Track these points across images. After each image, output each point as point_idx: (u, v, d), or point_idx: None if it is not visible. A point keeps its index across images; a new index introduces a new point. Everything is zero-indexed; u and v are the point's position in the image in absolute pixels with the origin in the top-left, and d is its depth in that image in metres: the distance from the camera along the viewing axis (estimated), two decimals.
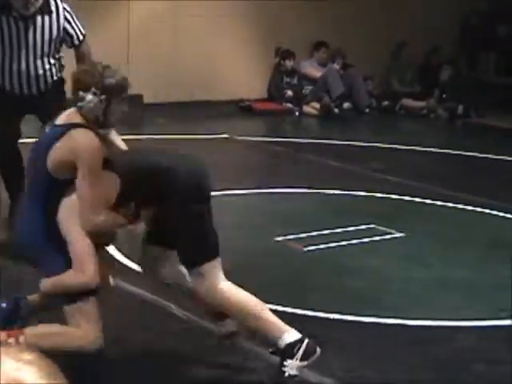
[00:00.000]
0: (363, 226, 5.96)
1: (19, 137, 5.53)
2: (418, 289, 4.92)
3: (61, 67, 5.36)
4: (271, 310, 4.15)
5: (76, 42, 5.32)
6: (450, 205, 6.77)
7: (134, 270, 4.80)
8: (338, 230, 5.84)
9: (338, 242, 5.61)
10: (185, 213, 3.57)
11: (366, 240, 5.70)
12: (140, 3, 10.62)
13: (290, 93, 11.31)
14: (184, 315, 4.25)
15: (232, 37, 11.25)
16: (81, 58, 5.36)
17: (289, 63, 11.36)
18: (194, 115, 10.30)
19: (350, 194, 6.94)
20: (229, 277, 4.86)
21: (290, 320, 4.26)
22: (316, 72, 11.45)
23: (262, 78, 11.42)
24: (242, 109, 11.08)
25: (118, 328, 4.02)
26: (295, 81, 11.45)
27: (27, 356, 0.96)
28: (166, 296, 4.42)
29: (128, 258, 4.99)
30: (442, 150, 9.14)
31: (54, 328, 3.54)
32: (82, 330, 3.48)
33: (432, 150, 9.14)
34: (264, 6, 11.22)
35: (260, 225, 6.01)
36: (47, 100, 5.23)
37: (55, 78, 5.30)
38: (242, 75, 11.33)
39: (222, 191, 6.74)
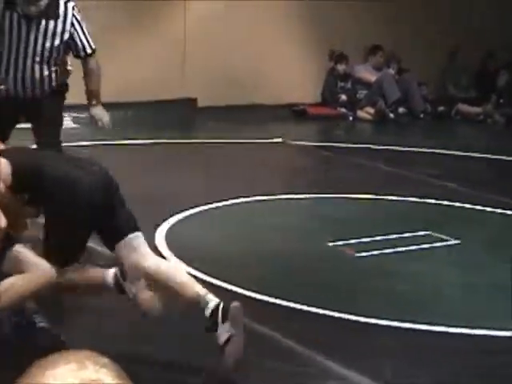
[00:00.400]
0: (418, 233, 5.89)
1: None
2: (474, 297, 4.84)
3: (63, 73, 5.18)
4: (319, 315, 4.13)
5: (82, 54, 5.10)
6: (509, 212, 6.65)
7: (188, 274, 4.80)
8: (392, 237, 5.77)
9: (391, 248, 5.55)
10: (54, 219, 3.65)
11: (420, 247, 5.62)
12: (196, 3, 10.65)
13: (344, 97, 11.26)
14: None
15: (287, 40, 11.23)
16: (87, 73, 5.20)
17: (341, 67, 11.30)
18: (247, 119, 10.30)
19: (404, 200, 6.86)
20: (280, 279, 4.85)
21: (341, 325, 4.24)
22: (371, 76, 11.38)
23: (316, 82, 11.38)
24: (296, 113, 11.06)
25: (170, 330, 4.03)
26: (349, 85, 11.38)
27: (103, 360, 1.11)
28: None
29: (181, 260, 5.00)
30: (498, 156, 8.99)
31: (13, 280, 3.54)
32: (36, 268, 3.52)
33: (488, 156, 9.00)
34: (319, 8, 11.18)
35: (312, 229, 5.98)
36: (43, 108, 5.06)
37: (53, 84, 5.09)
38: (295, 79, 11.31)
39: (274, 195, 6.73)
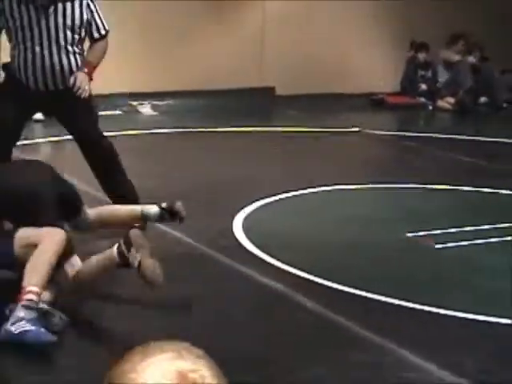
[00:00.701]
0: (498, 225, 5.77)
1: (18, 136, 5.25)
2: None
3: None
4: (396, 306, 4.09)
5: (96, 35, 5.10)
6: None
7: (263, 260, 4.82)
8: (472, 228, 5.67)
9: (471, 240, 5.45)
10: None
11: (502, 239, 5.51)
12: None
13: (424, 86, 11.10)
14: (314, 307, 4.21)
15: (365, 28, 11.13)
16: (93, 48, 5.15)
17: (422, 55, 11.14)
18: (325, 108, 10.25)
19: (483, 192, 6.73)
20: (357, 268, 4.82)
21: (418, 317, 4.19)
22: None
23: (394, 70, 11.25)
24: (374, 102, 10.95)
25: (248, 318, 4.05)
26: (430, 74, 11.22)
27: (198, 351, 1.14)
28: (297, 288, 4.41)
29: (258, 247, 5.01)
30: None
31: (36, 256, 3.71)
32: (46, 238, 3.75)
33: None
34: None
35: (390, 219, 5.91)
36: (69, 98, 5.04)
37: (74, 71, 5.05)
38: (374, 68, 11.20)
39: (351, 185, 6.68)
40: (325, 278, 4.58)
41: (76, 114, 5.15)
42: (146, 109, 9.86)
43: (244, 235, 5.24)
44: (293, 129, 8.94)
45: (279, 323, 4.08)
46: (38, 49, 4.97)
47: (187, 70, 10.15)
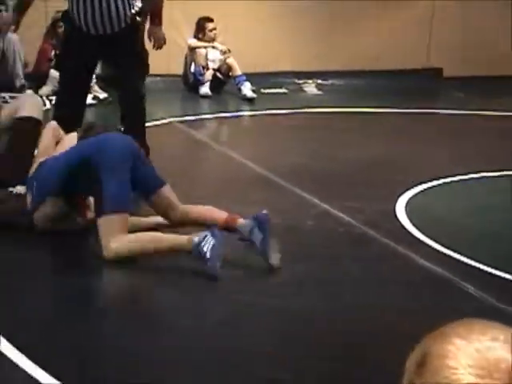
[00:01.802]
0: None
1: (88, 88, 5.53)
2: None
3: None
4: None
5: None
6: None
7: (428, 245, 4.72)
8: None
9: None
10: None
11: None
12: None
13: None
14: (481, 296, 4.09)
15: None
16: (150, 1, 5.32)
17: None
18: (495, 91, 9.90)
19: None
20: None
21: None
22: None
23: None
24: None
25: (411, 302, 3.98)
26: None
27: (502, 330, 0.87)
28: (462, 274, 4.29)
29: (422, 232, 4.91)
30: None
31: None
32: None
33: None
34: None
35: None
36: (123, 40, 5.14)
37: (128, 14, 5.16)
38: None
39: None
40: (490, 266, 4.43)
41: (125, 56, 5.25)
42: (310, 87, 9.87)
43: (407, 218, 5.15)
44: (460, 111, 8.70)
45: (444, 310, 3.98)
46: None
47: (353, 49, 10.07)
